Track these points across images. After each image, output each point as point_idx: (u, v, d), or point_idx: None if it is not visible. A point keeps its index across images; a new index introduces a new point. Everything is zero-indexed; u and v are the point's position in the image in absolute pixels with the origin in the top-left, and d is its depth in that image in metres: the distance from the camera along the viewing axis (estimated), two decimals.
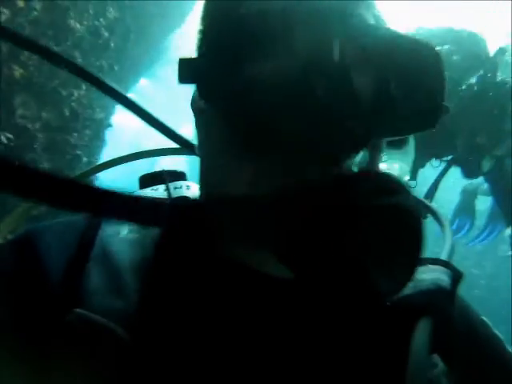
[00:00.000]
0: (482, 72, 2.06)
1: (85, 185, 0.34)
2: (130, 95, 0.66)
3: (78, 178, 0.74)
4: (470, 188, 3.10)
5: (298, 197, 0.33)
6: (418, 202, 0.57)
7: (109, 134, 4.60)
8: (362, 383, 0.40)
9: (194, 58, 0.40)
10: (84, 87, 3.28)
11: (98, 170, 0.74)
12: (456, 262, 0.47)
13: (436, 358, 0.42)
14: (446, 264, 0.45)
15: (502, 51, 2.09)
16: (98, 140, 4.13)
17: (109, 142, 4.67)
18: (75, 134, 3.27)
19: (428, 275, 0.44)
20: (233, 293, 0.37)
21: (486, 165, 2.04)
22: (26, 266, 0.43)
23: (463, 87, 2.03)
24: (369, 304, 0.36)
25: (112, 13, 3.90)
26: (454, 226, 3.29)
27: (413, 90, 0.39)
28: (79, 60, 3.49)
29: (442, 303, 0.43)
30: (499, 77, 2.04)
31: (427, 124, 0.40)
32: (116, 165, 0.73)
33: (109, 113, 4.55)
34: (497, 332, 0.51)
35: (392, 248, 0.34)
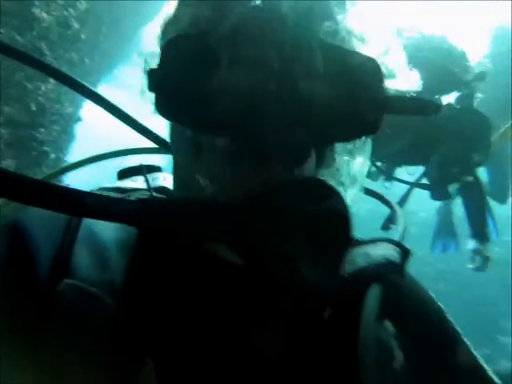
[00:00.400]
0: (460, 94, 2.11)
1: (61, 187, 0.38)
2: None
3: (54, 175, 0.81)
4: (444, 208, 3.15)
5: (246, 201, 0.40)
6: (370, 192, 0.68)
7: (78, 129, 4.46)
8: (317, 350, 0.46)
9: (152, 70, 0.45)
10: (52, 81, 3.16)
11: (70, 169, 0.78)
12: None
13: (387, 322, 0.49)
14: (397, 244, 0.53)
15: (481, 76, 2.09)
16: (66, 135, 3.99)
17: (78, 137, 4.53)
18: (42, 130, 3.15)
19: (381, 251, 0.51)
20: (197, 270, 0.44)
21: (454, 187, 2.12)
22: (18, 248, 0.47)
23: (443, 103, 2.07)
24: (308, 284, 0.42)
25: (83, 4, 3.77)
26: (439, 248, 3.31)
27: (353, 102, 0.44)
28: (46, 52, 3.36)
29: (391, 273, 0.50)
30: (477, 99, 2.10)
31: (367, 132, 0.46)
32: (91, 163, 0.77)
33: (78, 107, 4.41)
34: (441, 305, 0.59)
35: (320, 241, 0.42)
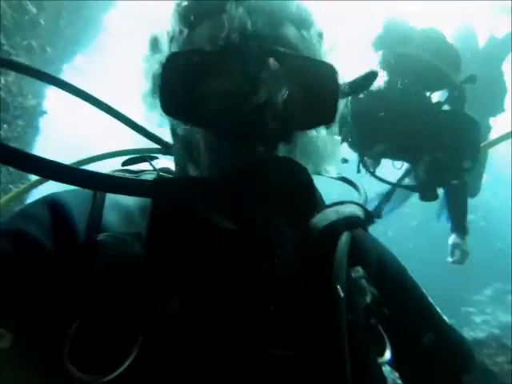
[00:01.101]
0: (449, 94, 2.10)
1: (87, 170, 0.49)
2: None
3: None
4: None
5: (233, 179, 0.51)
6: (340, 179, 0.80)
7: (43, 122, 4.24)
8: (296, 289, 0.58)
9: (158, 77, 0.56)
10: (12, 72, 2.96)
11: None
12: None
13: (358, 268, 0.61)
14: (361, 206, 0.67)
15: (472, 79, 2.08)
16: (31, 129, 3.78)
17: (43, 130, 4.30)
18: (5, 126, 2.96)
19: (349, 209, 0.65)
20: (201, 234, 0.55)
21: (441, 191, 2.21)
22: (58, 214, 0.57)
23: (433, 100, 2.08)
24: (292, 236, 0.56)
25: None
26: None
27: (313, 98, 0.57)
28: (2, 40, 3.12)
29: (357, 225, 0.64)
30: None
31: (325, 121, 0.59)
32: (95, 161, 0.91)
33: (41, 98, 4.18)
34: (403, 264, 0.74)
35: (292, 205, 0.53)
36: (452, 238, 2.35)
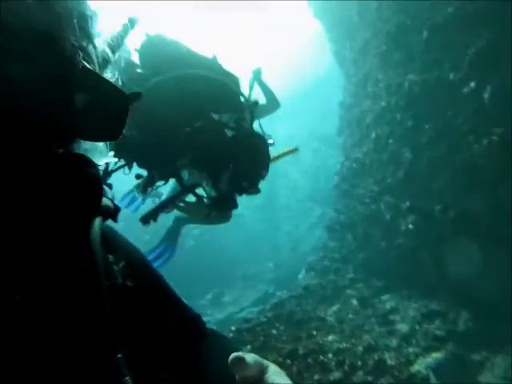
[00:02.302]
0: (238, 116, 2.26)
1: None
2: None
3: None
4: (181, 217, 3.28)
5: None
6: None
7: None
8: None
9: None
10: None
11: None
12: None
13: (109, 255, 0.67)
14: (112, 200, 0.72)
15: (255, 103, 2.31)
16: None
17: None
18: None
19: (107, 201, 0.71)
20: None
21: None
22: None
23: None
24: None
25: None
26: (158, 251, 3.42)
27: (99, 114, 0.59)
28: None
29: (109, 214, 0.70)
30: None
31: (108, 137, 0.63)
32: None
33: None
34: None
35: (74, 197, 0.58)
36: None
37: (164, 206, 2.39)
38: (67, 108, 0.55)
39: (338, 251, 6.87)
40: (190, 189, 2.39)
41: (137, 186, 2.45)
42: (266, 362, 0.59)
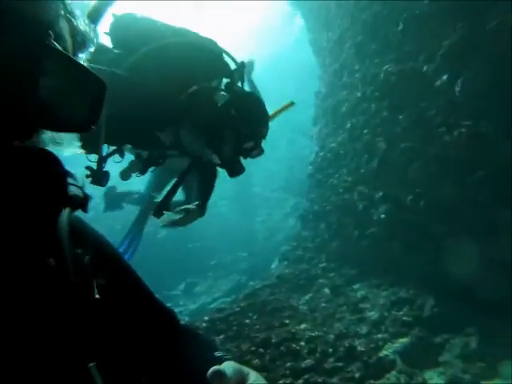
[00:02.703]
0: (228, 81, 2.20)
1: None
2: None
3: None
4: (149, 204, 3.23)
5: None
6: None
7: None
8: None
9: None
10: None
11: None
12: None
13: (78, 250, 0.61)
14: (82, 188, 0.66)
15: (242, 66, 2.26)
16: None
17: None
18: None
19: (73, 189, 0.63)
20: None
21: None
22: None
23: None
24: None
25: None
26: (127, 243, 3.38)
27: (69, 102, 0.54)
28: None
29: (78, 204, 0.64)
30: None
31: (78, 128, 0.59)
32: None
33: None
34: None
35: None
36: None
37: (173, 192, 2.34)
38: (31, 94, 0.50)
39: (311, 241, 6.93)
40: (195, 161, 2.31)
41: (130, 169, 2.38)
42: (245, 369, 0.58)
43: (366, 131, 5.52)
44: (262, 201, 12.56)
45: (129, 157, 2.43)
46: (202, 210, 2.41)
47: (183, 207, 2.39)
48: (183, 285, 9.65)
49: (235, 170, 2.24)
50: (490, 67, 3.50)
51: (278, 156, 12.83)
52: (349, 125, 6.03)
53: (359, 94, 5.70)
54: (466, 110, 3.77)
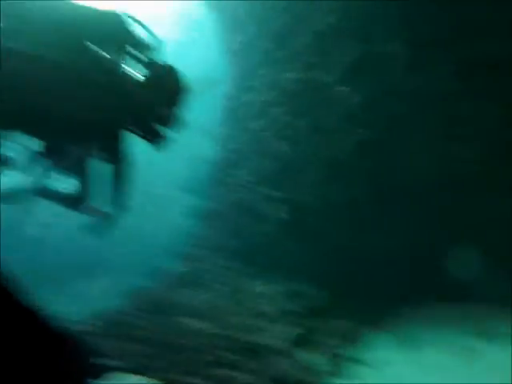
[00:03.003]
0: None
1: None
2: None
3: None
4: None
5: None
6: None
7: None
8: None
9: None
10: None
11: None
12: None
13: None
14: None
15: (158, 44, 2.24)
16: None
17: None
18: None
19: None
20: None
21: None
22: None
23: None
24: None
25: None
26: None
27: None
28: None
29: None
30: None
31: None
32: None
33: None
34: None
35: None
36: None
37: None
38: None
39: (209, 239, 6.91)
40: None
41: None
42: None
43: (268, 134, 5.75)
44: (160, 200, 12.15)
45: None
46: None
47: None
48: (74, 289, 8.75)
49: (155, 139, 2.23)
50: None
51: (178, 155, 12.57)
52: (252, 127, 6.21)
53: (263, 98, 5.92)
54: (362, 119, 4.23)
